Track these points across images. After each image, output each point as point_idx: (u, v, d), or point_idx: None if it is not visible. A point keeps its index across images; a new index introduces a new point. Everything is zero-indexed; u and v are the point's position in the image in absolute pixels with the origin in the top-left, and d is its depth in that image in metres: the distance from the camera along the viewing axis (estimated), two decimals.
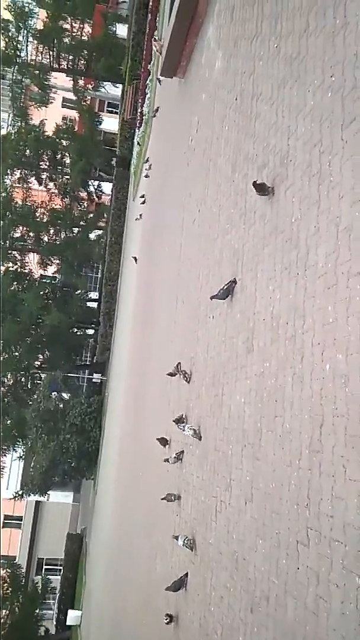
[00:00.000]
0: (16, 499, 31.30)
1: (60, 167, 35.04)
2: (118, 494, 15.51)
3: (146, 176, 16.30)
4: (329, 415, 2.99)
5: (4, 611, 29.35)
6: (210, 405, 5.48)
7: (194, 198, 7.72)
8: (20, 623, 28.69)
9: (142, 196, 16.90)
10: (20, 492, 30.74)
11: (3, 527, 40.56)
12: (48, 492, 31.30)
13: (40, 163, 34.22)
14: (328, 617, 2.72)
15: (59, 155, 34.75)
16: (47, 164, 34.48)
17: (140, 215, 16.90)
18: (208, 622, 4.74)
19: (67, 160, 34.95)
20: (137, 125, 23.57)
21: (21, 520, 40.46)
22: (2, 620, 28.93)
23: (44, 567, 39.38)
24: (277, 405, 3.72)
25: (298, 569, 3.15)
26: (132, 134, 27.21)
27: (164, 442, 7.76)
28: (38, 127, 33.64)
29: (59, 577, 33.92)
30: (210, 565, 4.91)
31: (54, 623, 30.13)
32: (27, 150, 33.26)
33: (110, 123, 38.12)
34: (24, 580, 33.04)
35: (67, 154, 34.72)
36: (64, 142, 34.55)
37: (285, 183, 4.04)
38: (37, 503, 39.22)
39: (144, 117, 20.53)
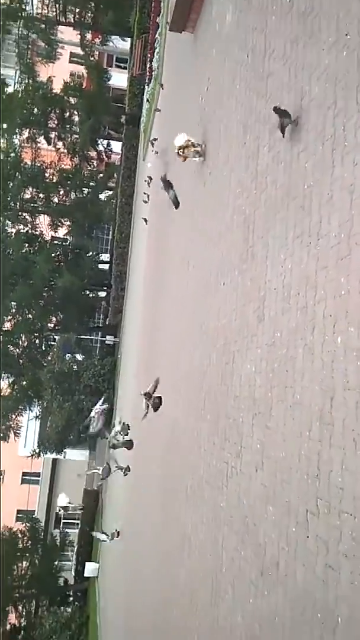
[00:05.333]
0: (33, 456, 32.17)
1: (68, 126, 34.32)
2: (133, 453, 15.81)
3: (156, 152, 15.82)
4: (340, 388, 2.97)
5: (24, 563, 30.58)
6: (222, 373, 5.49)
7: (205, 160, 7.53)
8: (40, 574, 29.91)
9: (155, 139, 16.17)
10: (37, 450, 31.56)
11: (21, 483, 41.85)
12: (64, 450, 32.10)
13: (49, 122, 33.52)
14: (337, 586, 2.77)
15: (67, 114, 33.97)
16: (56, 122, 33.77)
17: (150, 178, 16.34)
18: (220, 583, 4.88)
19: (76, 119, 34.20)
20: (147, 81, 22.88)
21: (39, 476, 41.62)
22: (22, 572, 30.17)
23: (62, 521, 40.66)
24: (287, 376, 3.71)
25: (307, 537, 3.20)
26: (141, 90, 26.45)
27: (149, 397, 8.26)
28: (46, 84, 32.77)
29: (76, 531, 35.07)
30: (221, 528, 5.02)
31: (73, 574, 31.35)
32: (35, 109, 32.54)
33: (119, 79, 36.99)
34: (43, 534, 34.24)
35: (76, 112, 33.94)
36: (72, 100, 33.72)
37: (297, 146, 3.91)
38: (54, 460, 40.21)
39: (153, 73, 19.91)
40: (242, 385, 4.74)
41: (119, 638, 14.33)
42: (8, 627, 28.82)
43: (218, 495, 5.24)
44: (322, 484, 3.08)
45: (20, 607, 29.75)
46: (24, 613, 29.84)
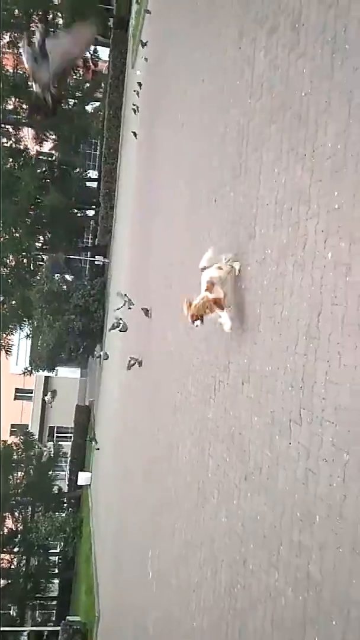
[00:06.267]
0: (25, 374, 32.84)
1: (52, 30, 31.97)
2: (122, 372, 16.18)
3: (145, 59, 14.80)
4: (328, 303, 3.00)
5: (19, 473, 32.05)
6: None
7: (198, 67, 7.14)
8: (36, 483, 31.48)
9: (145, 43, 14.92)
10: (29, 368, 32.16)
11: (14, 399, 43.04)
12: (56, 368, 32.74)
13: (31, 25, 31.16)
14: (316, 488, 2.94)
15: (51, 16, 31.57)
16: (38, 25, 31.42)
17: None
18: (206, 487, 5.16)
19: (60, 22, 31.80)
20: None
21: (32, 393, 42.74)
22: (18, 481, 31.71)
23: (56, 434, 42.27)
24: (276, 293, 3.73)
25: (290, 444, 3.35)
26: None
27: (146, 312, 9.97)
28: None
29: (69, 443, 36.57)
30: (208, 437, 5.24)
31: (67, 483, 33.02)
32: (16, 10, 30.19)
33: None
34: (37, 446, 35.68)
35: (59, 14, 31.53)
36: (56, 0, 31.24)
37: (296, 50, 3.70)
38: (46, 378, 41.14)
39: None
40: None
41: (111, 540, 15.34)
42: (6, 531, 30.70)
43: (205, 407, 5.42)
44: (305, 395, 3.18)
45: (16, 513, 31.55)
46: (20, 518, 31.69)
